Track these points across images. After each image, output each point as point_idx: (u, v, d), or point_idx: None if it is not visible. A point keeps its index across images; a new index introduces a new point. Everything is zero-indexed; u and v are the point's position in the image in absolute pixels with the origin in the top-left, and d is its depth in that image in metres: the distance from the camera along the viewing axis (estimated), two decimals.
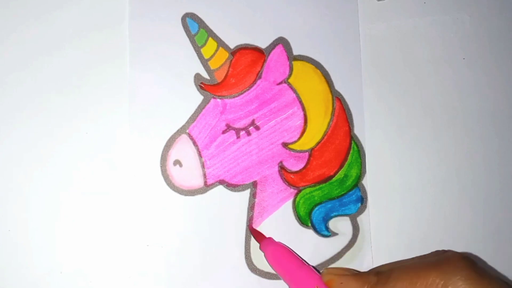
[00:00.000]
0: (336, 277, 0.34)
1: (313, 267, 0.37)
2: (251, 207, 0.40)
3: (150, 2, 0.41)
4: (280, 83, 0.41)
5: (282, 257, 0.37)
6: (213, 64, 0.41)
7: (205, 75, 0.41)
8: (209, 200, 0.40)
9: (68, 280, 0.38)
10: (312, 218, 0.41)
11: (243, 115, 0.41)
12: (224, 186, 0.40)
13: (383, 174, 0.41)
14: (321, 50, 0.42)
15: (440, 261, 0.32)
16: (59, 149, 0.39)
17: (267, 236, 0.39)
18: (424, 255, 0.36)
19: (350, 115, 0.42)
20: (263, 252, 0.38)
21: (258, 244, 0.40)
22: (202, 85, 0.41)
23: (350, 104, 0.42)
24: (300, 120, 0.41)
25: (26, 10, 0.40)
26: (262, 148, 0.41)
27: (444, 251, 0.35)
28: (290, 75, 0.41)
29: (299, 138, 0.41)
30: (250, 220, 0.40)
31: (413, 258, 0.36)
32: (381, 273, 0.34)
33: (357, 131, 0.41)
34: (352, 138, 0.41)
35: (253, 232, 0.40)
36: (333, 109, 0.41)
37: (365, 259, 0.41)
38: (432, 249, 0.41)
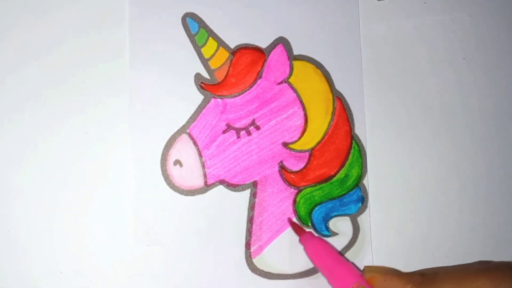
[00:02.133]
0: (379, 274, 0.34)
1: (352, 263, 0.37)
2: (251, 207, 0.40)
3: (150, 2, 0.41)
4: (281, 82, 0.41)
5: (322, 251, 0.37)
6: (213, 64, 0.41)
7: (205, 74, 0.41)
8: (209, 200, 0.40)
9: (68, 280, 0.38)
10: (312, 218, 0.41)
11: (244, 115, 0.41)
12: (224, 186, 0.40)
13: (384, 174, 0.41)
14: (322, 50, 0.42)
15: (489, 268, 0.32)
16: (59, 149, 0.39)
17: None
18: (468, 264, 0.36)
19: (351, 114, 0.42)
20: (303, 245, 0.38)
21: (257, 245, 0.40)
22: (202, 84, 0.41)
23: (350, 103, 0.42)
24: (300, 119, 0.41)
25: (26, 10, 0.40)
26: (263, 148, 0.41)
27: (488, 261, 0.35)
28: (290, 74, 0.41)
29: (300, 137, 0.41)
30: (250, 220, 0.40)
31: (456, 265, 0.36)
32: (426, 273, 0.33)
33: (357, 130, 0.41)
34: (352, 138, 0.41)
35: (292, 225, 0.40)
36: (334, 108, 0.41)
37: (365, 259, 0.41)
38: (432, 250, 0.41)
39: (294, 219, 0.40)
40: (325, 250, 0.37)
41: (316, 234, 0.40)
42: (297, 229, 0.40)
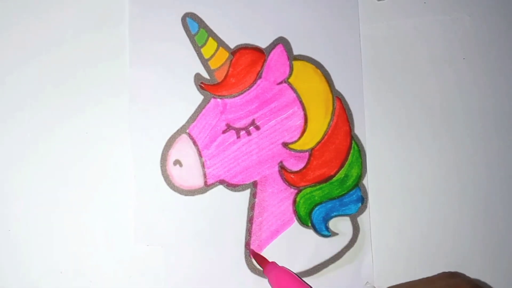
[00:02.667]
0: None
1: None
2: (251, 207, 0.40)
3: (150, 2, 0.41)
4: (280, 82, 0.41)
5: (286, 281, 0.37)
6: (213, 64, 0.41)
7: (205, 75, 0.41)
8: (209, 200, 0.40)
9: (68, 280, 0.38)
10: (312, 218, 0.41)
11: (243, 115, 0.41)
12: (224, 186, 0.40)
13: (384, 174, 0.41)
14: (321, 50, 0.42)
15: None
16: (59, 149, 0.39)
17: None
18: (431, 279, 0.35)
19: (351, 114, 0.42)
20: (267, 277, 0.38)
21: (257, 245, 0.40)
22: (202, 85, 0.41)
23: (350, 103, 0.42)
24: (300, 120, 0.41)
25: (26, 10, 0.40)
26: (262, 148, 0.41)
27: (451, 275, 0.35)
28: (290, 74, 0.41)
29: (299, 138, 0.41)
30: (250, 220, 0.40)
31: (419, 281, 0.35)
32: None
33: (357, 130, 0.41)
34: (352, 138, 0.41)
35: (255, 256, 0.40)
36: (334, 108, 0.41)
37: (365, 259, 0.41)
38: (432, 250, 0.41)
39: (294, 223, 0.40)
40: (289, 279, 0.37)
41: (316, 235, 0.40)
42: (260, 260, 0.39)
